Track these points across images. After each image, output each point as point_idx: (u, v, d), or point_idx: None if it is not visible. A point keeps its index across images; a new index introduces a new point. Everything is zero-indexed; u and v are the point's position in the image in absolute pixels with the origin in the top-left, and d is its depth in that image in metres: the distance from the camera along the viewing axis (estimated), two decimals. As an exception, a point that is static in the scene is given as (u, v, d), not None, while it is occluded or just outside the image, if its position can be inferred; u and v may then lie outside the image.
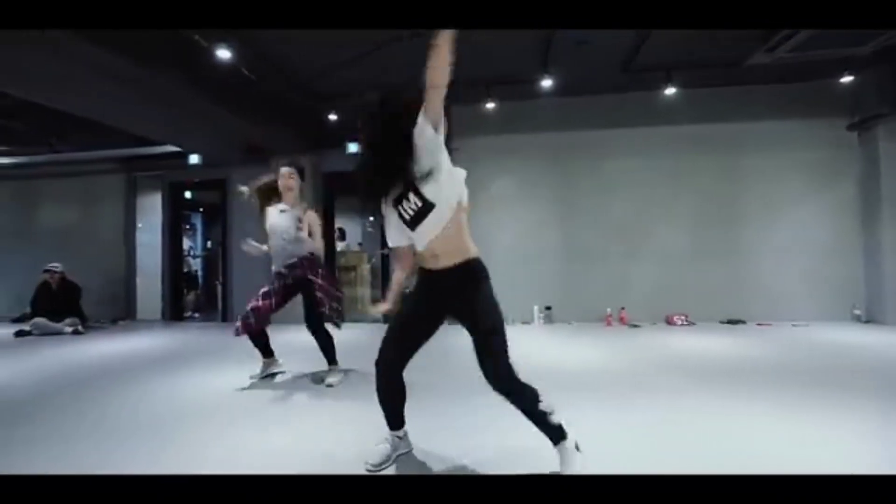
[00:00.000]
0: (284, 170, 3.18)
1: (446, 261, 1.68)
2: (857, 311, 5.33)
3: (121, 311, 6.88)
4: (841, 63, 4.55)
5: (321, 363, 3.32)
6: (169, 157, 6.63)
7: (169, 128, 5.28)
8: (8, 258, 7.30)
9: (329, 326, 3.19)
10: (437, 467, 1.86)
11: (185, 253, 7.98)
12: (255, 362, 3.36)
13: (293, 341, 4.13)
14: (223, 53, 3.88)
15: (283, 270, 3.15)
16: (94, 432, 2.33)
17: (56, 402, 2.83)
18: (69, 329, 5.71)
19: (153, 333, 5.79)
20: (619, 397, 2.73)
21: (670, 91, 4.96)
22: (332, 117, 5.48)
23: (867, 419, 2.30)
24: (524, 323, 5.82)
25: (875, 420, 2.29)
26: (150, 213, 7.36)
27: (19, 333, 5.64)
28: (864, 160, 5.37)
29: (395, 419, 1.90)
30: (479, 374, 1.67)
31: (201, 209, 8.99)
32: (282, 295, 3.13)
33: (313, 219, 3.15)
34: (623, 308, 5.63)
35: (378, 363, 1.78)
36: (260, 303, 3.07)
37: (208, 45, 4.12)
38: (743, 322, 5.44)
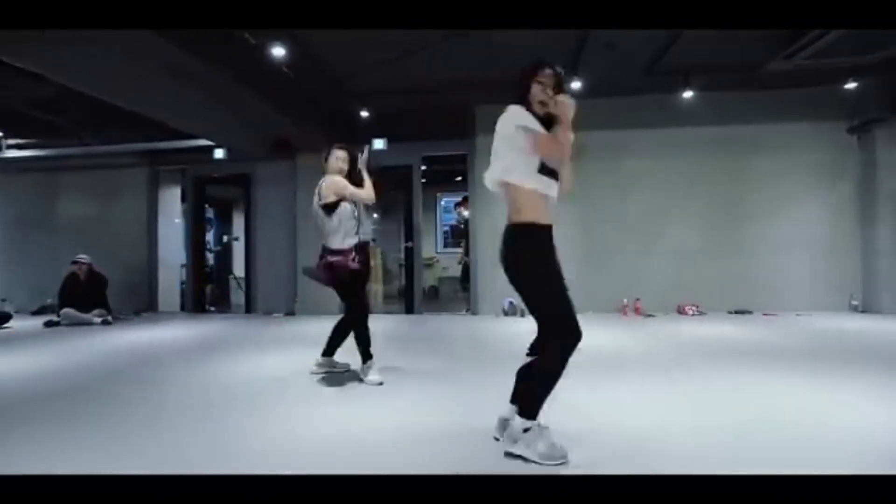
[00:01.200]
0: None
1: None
2: (855, 302, 5.73)
3: (143, 303, 6.95)
4: (847, 70, 4.91)
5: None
6: (192, 152, 6.72)
7: (205, 121, 5.39)
8: (29, 250, 7.30)
9: None
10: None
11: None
12: (295, 347, 3.54)
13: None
14: (277, 51, 4.03)
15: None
16: (158, 417, 2.36)
17: (124, 391, 2.87)
18: (98, 320, 5.79)
19: (183, 324, 5.90)
20: (637, 375, 3.01)
21: (688, 94, 5.26)
22: (364, 114, 5.65)
23: (869, 389, 2.61)
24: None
25: (876, 390, 2.59)
26: (169, 206, 7.45)
27: (49, 324, 5.71)
28: (862, 162, 5.77)
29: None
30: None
31: (207, 204, 8.97)
32: None
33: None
34: (638, 299, 5.94)
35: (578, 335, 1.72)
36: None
37: (256, 42, 4.27)
38: (750, 312, 5.79)
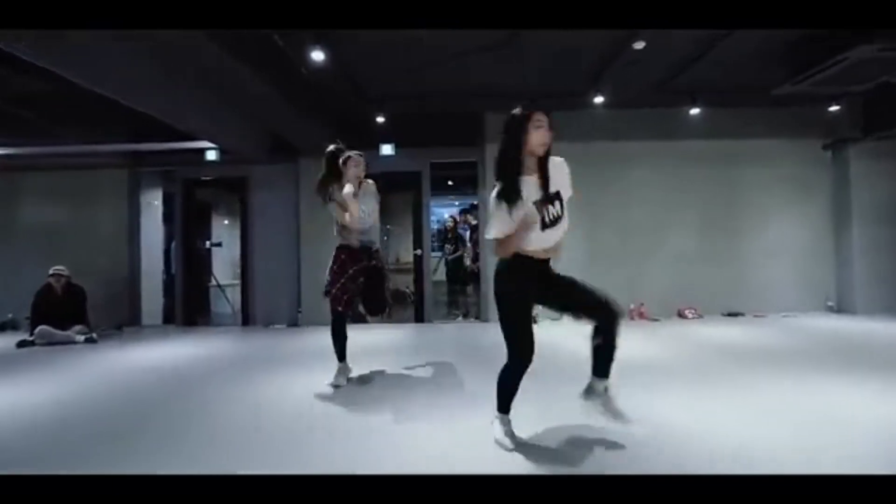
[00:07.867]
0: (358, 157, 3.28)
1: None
2: (830, 303, 6.33)
3: (124, 317, 6.36)
4: (830, 96, 5.41)
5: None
6: (180, 153, 6.24)
7: (210, 120, 5.01)
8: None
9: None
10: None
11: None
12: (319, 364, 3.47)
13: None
14: (315, 55, 3.85)
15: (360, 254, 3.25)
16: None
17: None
18: (81, 338, 5.25)
19: (179, 339, 5.45)
20: (661, 378, 3.23)
21: (695, 111, 5.59)
22: (380, 119, 5.51)
23: (861, 383, 2.99)
24: (553, 320, 6.22)
25: (867, 385, 2.95)
26: (148, 211, 6.87)
27: (22, 344, 5.10)
28: (835, 176, 6.38)
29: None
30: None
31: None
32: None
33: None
34: (642, 304, 6.21)
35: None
36: (347, 287, 3.16)
37: (283, 44, 4.04)
38: (742, 314, 6.23)
